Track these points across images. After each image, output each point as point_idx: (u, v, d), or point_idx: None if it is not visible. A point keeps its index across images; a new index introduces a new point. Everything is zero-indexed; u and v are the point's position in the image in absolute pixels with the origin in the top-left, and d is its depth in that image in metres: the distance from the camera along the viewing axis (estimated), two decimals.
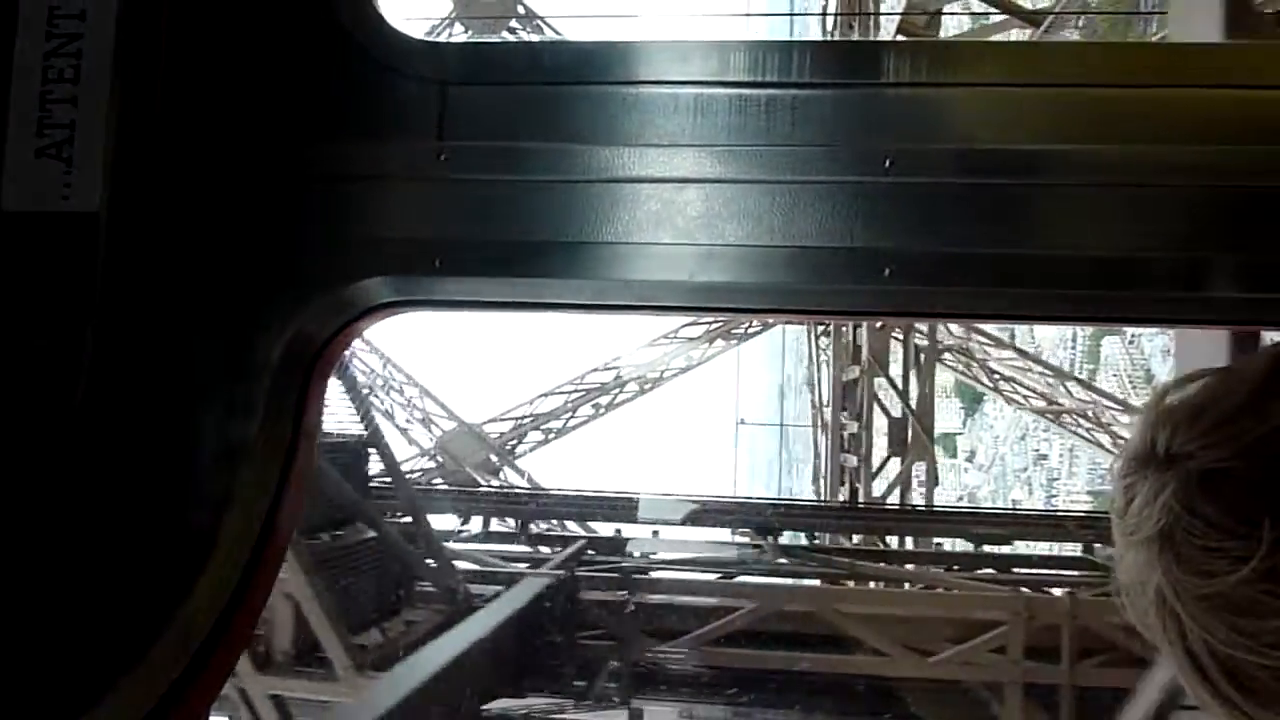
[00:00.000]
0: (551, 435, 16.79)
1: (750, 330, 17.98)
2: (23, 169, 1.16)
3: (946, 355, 17.18)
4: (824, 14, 15.80)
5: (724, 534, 12.78)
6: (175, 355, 1.21)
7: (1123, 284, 1.16)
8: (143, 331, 1.20)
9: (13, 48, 1.17)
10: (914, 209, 1.18)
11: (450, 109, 1.22)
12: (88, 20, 1.17)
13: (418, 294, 1.26)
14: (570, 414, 16.94)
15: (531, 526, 12.65)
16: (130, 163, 1.18)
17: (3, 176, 1.16)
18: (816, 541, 12.97)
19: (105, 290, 1.17)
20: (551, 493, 14.07)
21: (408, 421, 16.29)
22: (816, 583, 11.53)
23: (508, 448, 16.37)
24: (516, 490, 14.79)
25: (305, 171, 1.23)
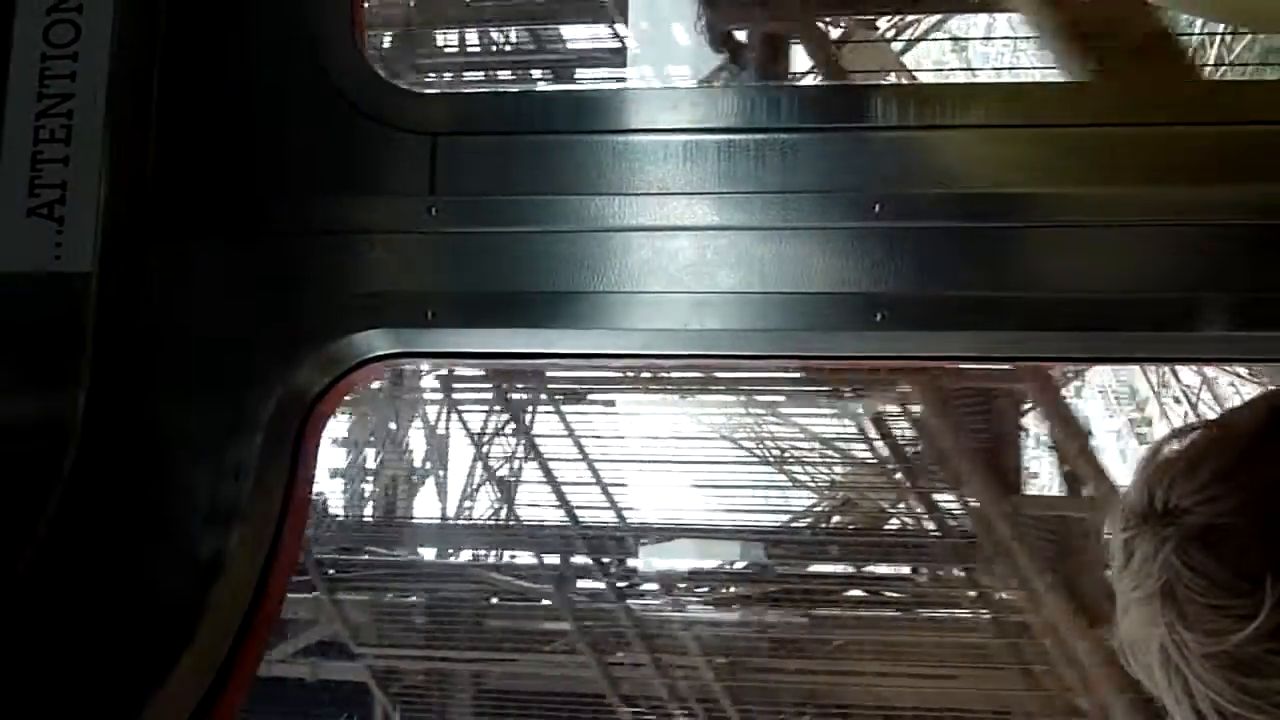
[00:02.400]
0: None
1: None
2: (13, 229, 1.16)
3: None
4: None
5: None
6: (166, 417, 1.21)
7: (1116, 324, 1.17)
8: (133, 394, 1.19)
9: (3, 107, 1.18)
10: (905, 253, 1.18)
11: (441, 161, 1.23)
12: (78, 80, 1.18)
13: (410, 346, 1.26)
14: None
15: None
16: (122, 222, 1.18)
17: None
18: None
19: (96, 352, 1.17)
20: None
21: None
22: None
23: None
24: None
25: (296, 227, 1.24)
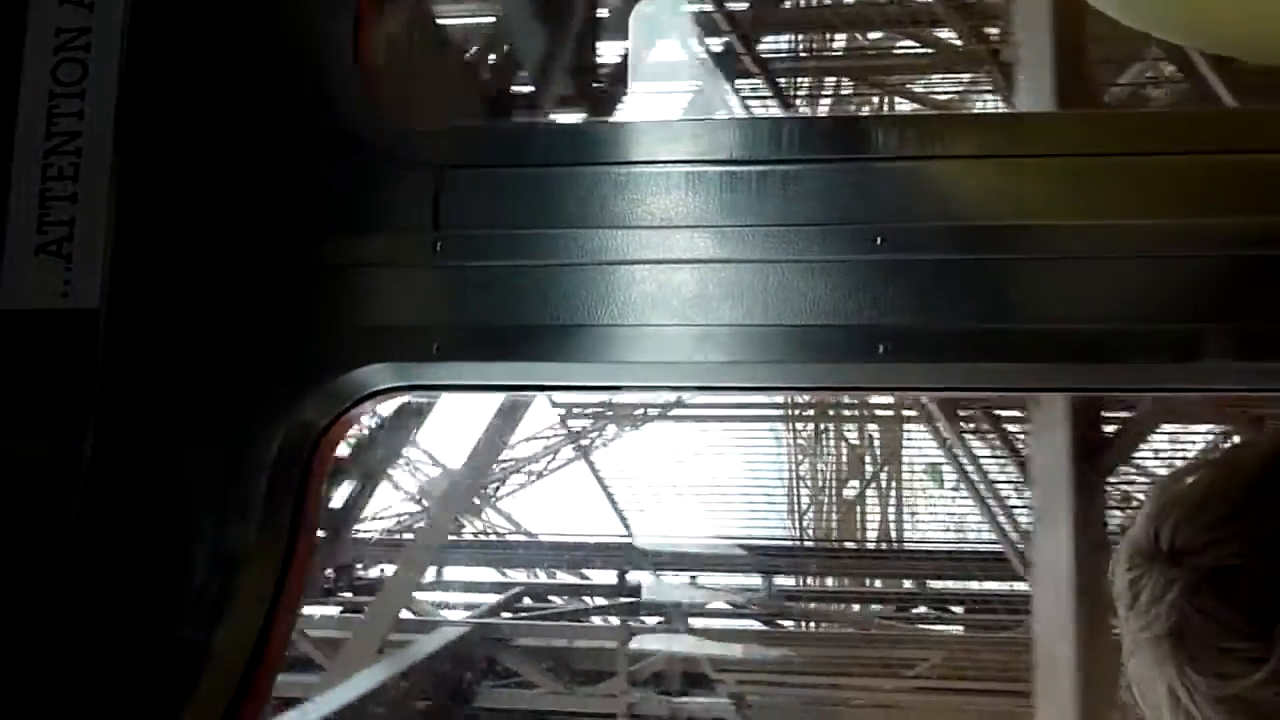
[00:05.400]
0: (533, 478, 16.61)
1: None
2: (21, 267, 1.17)
3: None
4: None
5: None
6: (172, 455, 1.21)
7: (1120, 355, 1.17)
8: (140, 431, 1.19)
9: (12, 146, 1.19)
10: (907, 285, 1.18)
11: (446, 194, 1.24)
12: (86, 118, 1.19)
13: (415, 379, 1.27)
14: (551, 456, 16.75)
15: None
16: (129, 258, 1.19)
17: (1, 275, 1.17)
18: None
19: (103, 389, 1.17)
20: (539, 539, 13.75)
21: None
22: None
23: (490, 491, 16.20)
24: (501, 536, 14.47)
25: (302, 262, 1.24)
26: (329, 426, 1.23)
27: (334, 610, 12.34)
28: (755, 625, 11.75)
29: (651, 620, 11.64)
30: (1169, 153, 1.18)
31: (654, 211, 1.23)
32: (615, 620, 11.90)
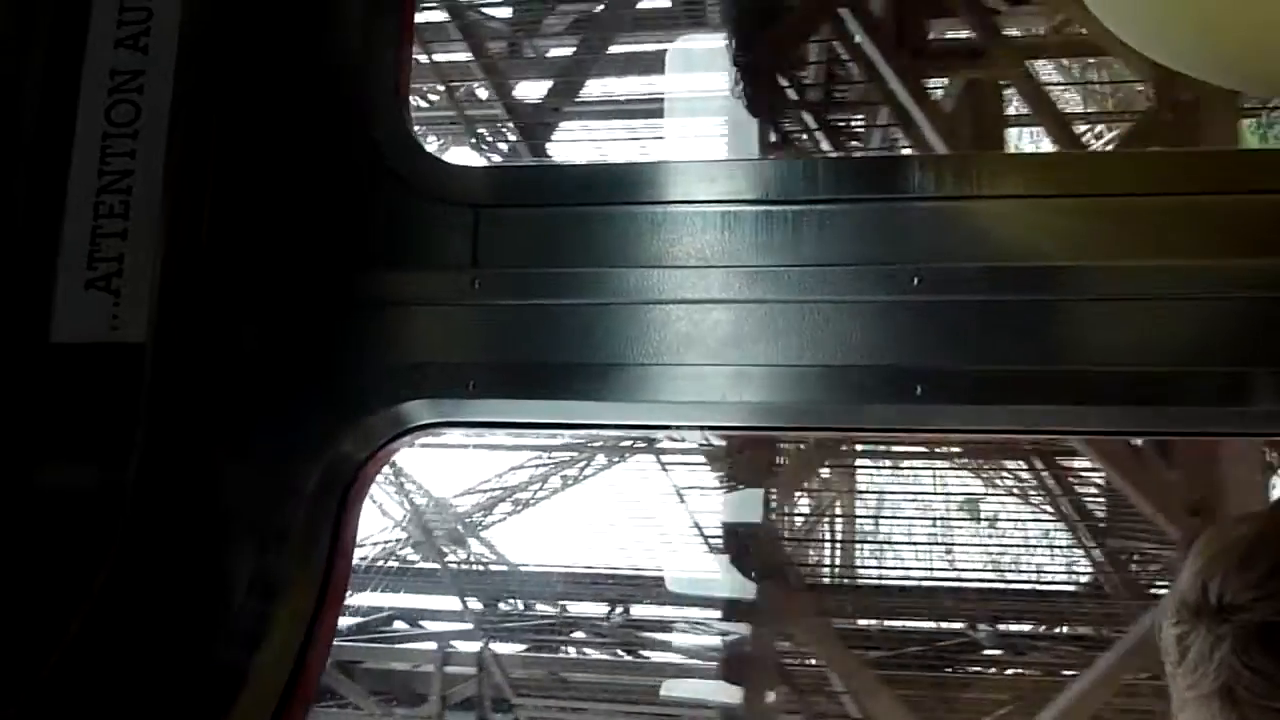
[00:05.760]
0: (520, 507, 16.54)
1: None
2: (73, 301, 1.20)
3: None
4: None
5: None
6: (214, 485, 1.23)
7: (1156, 399, 1.15)
8: (183, 462, 1.21)
9: (66, 184, 1.22)
10: (943, 326, 1.18)
11: (483, 233, 1.26)
12: (138, 158, 1.22)
13: (451, 415, 1.28)
14: (540, 485, 16.69)
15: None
16: (176, 294, 1.21)
17: (53, 309, 1.20)
18: None
19: (148, 420, 1.20)
20: (522, 569, 13.66)
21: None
22: None
23: (474, 520, 16.15)
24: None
25: (343, 299, 1.27)
26: (367, 459, 1.24)
27: None
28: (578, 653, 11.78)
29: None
30: (1210, 193, 1.17)
31: (689, 250, 1.24)
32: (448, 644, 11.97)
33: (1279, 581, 0.86)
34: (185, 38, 1.24)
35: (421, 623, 12.84)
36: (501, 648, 11.62)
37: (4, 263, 1.21)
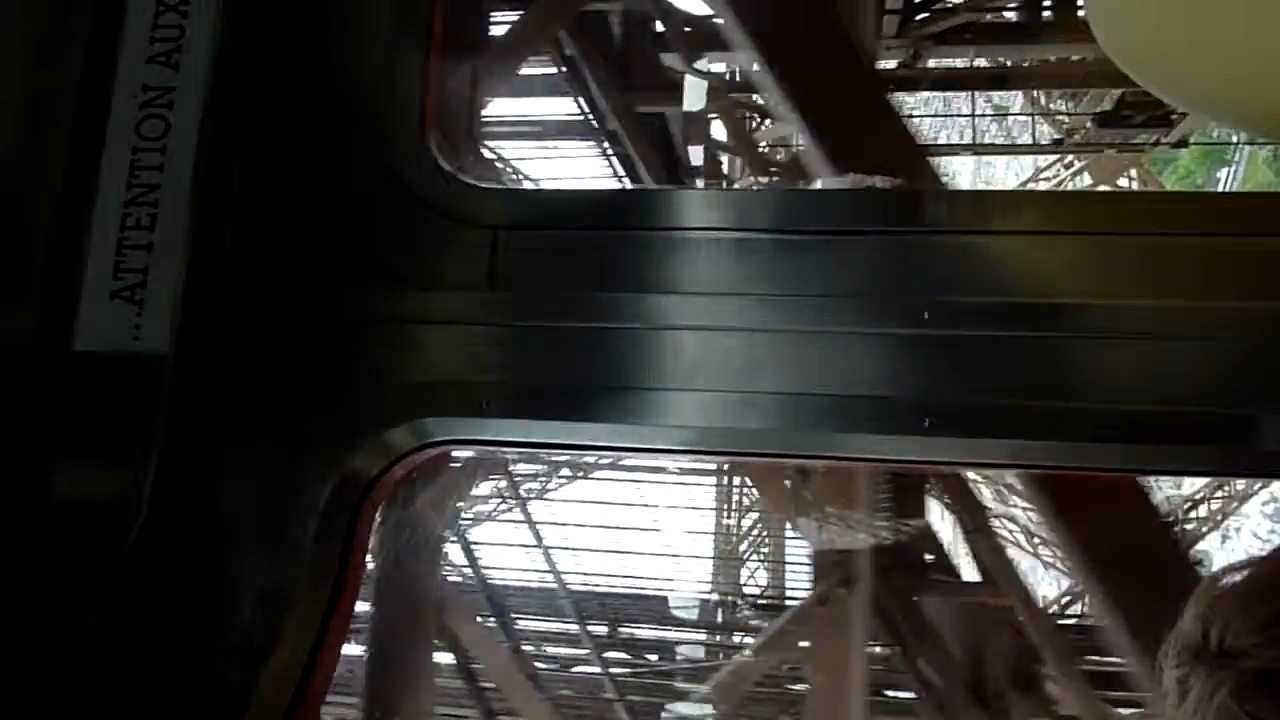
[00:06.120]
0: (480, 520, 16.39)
1: None
2: (96, 311, 1.22)
3: None
4: None
5: None
6: (227, 497, 1.24)
7: (1167, 437, 1.16)
8: (198, 473, 1.23)
9: (94, 195, 1.25)
10: (954, 360, 1.19)
11: (500, 254, 1.27)
12: (165, 172, 1.25)
13: (463, 434, 1.29)
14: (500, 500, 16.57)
15: None
16: (198, 307, 1.23)
17: (76, 318, 1.22)
18: None
19: (165, 430, 1.21)
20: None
21: None
22: None
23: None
24: None
25: (360, 316, 1.28)
26: (380, 475, 1.26)
27: None
28: None
29: None
30: (1226, 233, 1.17)
31: (703, 277, 1.25)
32: None
33: (1277, 628, 0.87)
34: (216, 57, 1.27)
35: None
36: None
37: (32, 270, 1.23)
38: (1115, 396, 1.16)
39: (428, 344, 1.27)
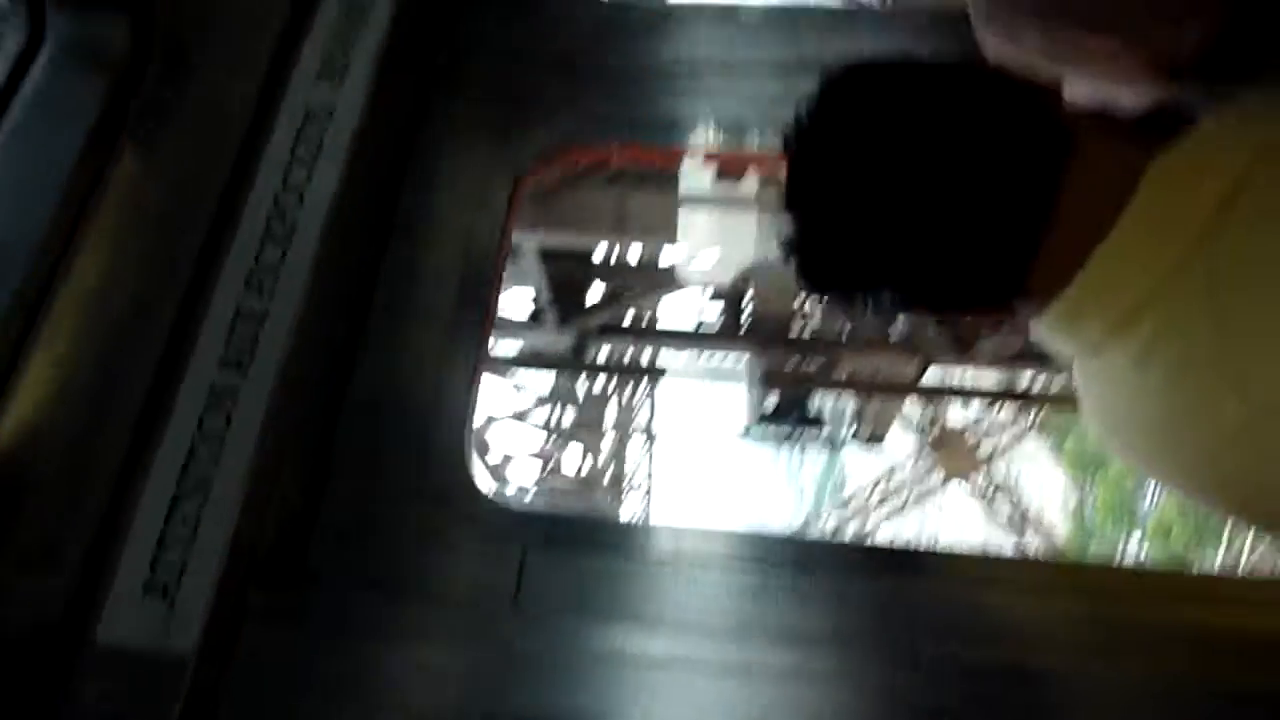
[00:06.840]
0: None
1: None
2: (127, 604, 1.20)
3: None
4: None
5: None
6: None
7: None
8: None
9: (146, 485, 1.26)
10: (944, 708, 1.21)
11: (528, 575, 1.31)
12: (220, 467, 1.26)
13: None
14: None
15: None
16: (225, 611, 1.22)
17: (104, 610, 1.20)
18: None
19: None
20: None
21: None
22: None
23: None
24: None
25: (382, 631, 1.29)
26: None
27: None
28: None
29: None
30: (1223, 615, 1.23)
31: (710, 613, 1.29)
32: None
33: None
34: (283, 364, 1.32)
35: None
36: None
37: (71, 553, 1.22)
38: None
39: (448, 662, 1.27)
